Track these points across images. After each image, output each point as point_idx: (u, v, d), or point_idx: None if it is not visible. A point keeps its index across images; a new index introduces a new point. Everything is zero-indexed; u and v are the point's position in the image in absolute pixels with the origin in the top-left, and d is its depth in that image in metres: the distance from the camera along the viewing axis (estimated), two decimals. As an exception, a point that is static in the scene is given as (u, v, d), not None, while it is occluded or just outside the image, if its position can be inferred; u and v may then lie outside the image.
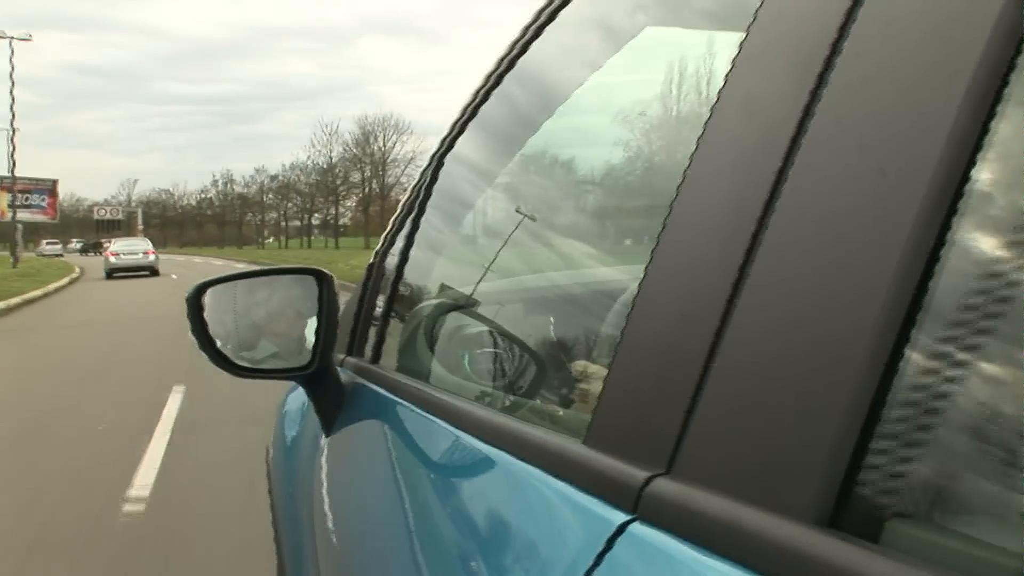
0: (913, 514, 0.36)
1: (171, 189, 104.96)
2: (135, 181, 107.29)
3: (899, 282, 0.36)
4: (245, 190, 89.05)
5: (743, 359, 0.44)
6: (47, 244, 69.98)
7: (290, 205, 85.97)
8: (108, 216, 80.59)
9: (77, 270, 31.18)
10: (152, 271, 28.70)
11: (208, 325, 1.20)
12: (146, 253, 29.38)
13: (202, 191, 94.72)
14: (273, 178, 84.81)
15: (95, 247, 74.19)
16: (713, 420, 0.45)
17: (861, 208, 0.39)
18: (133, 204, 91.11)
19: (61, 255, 61.14)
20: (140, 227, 73.60)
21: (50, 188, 51.27)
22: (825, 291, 0.40)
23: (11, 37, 37.11)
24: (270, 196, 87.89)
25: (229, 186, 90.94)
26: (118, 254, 29.21)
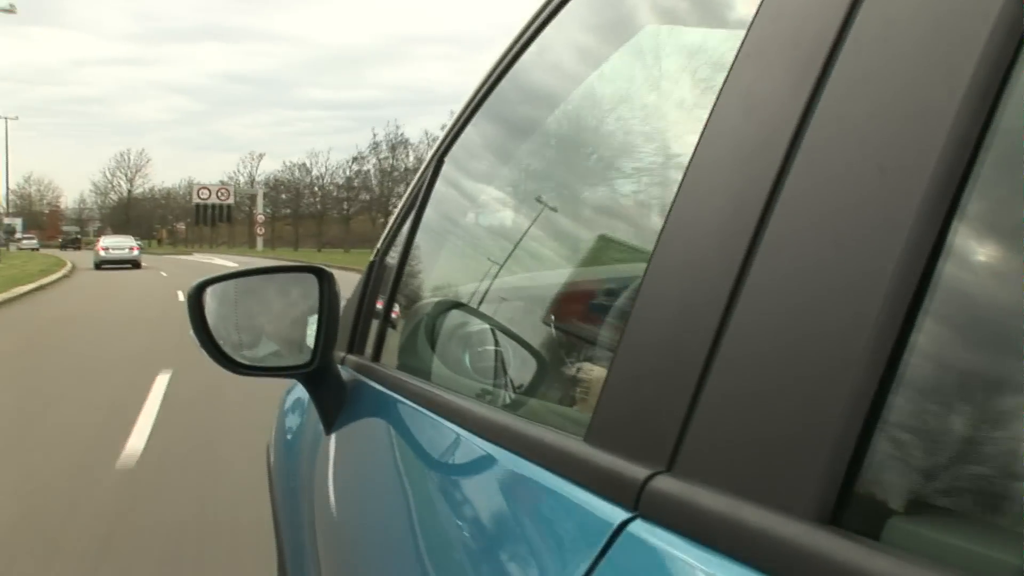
0: (914, 511, 0.36)
1: (308, 163, 73.72)
2: (261, 155, 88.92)
3: (899, 279, 0.36)
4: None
5: (744, 356, 0.44)
6: (24, 239, 68.44)
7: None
8: (215, 200, 58.30)
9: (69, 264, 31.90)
10: (135, 264, 33.36)
11: (209, 323, 1.20)
12: (131, 249, 34.44)
13: (354, 159, 59.30)
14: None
15: (73, 243, 72.17)
16: (714, 417, 0.45)
17: (861, 205, 0.39)
18: (255, 184, 69.12)
19: (37, 248, 60.85)
20: (260, 216, 60.31)
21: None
22: (825, 288, 0.40)
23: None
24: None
25: (395, 154, 56.93)
26: (107, 248, 34.17)
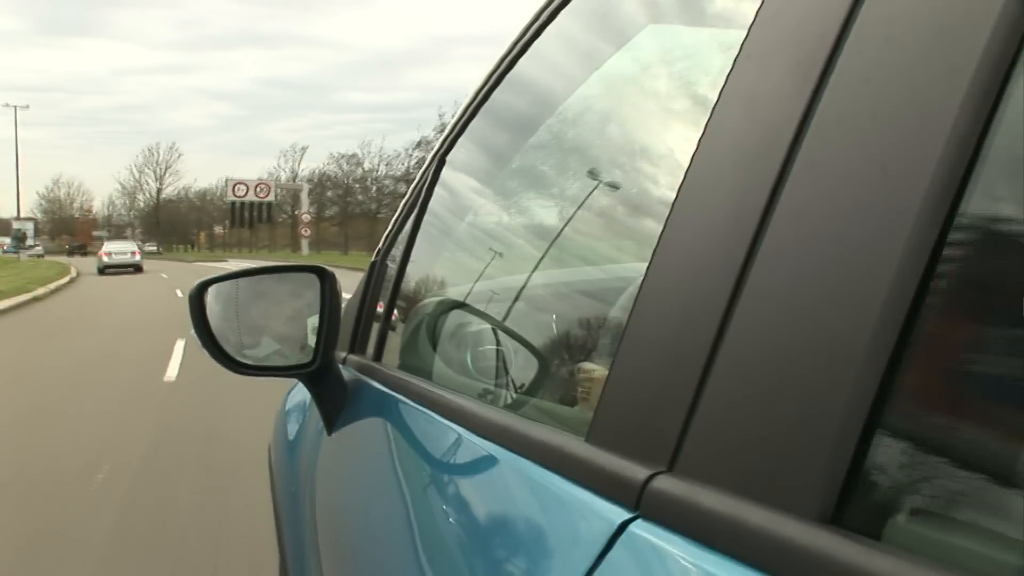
0: (915, 511, 0.36)
1: (359, 153, 65.82)
2: (304, 148, 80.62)
3: (900, 280, 0.36)
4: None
5: (745, 356, 0.44)
6: (31, 246, 68.65)
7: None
8: (253, 197, 48.26)
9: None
10: (137, 268, 35.83)
11: (210, 323, 1.20)
12: (133, 254, 37.01)
13: (417, 144, 44.31)
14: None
15: (80, 249, 70.22)
16: (715, 417, 0.45)
17: (862, 206, 0.39)
18: (298, 179, 59.99)
19: (42, 255, 58.44)
20: (305, 215, 48.51)
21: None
22: (827, 289, 0.40)
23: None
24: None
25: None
26: (110, 254, 36.68)
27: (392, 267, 1.44)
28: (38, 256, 56.97)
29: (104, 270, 34.92)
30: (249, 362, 1.24)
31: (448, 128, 1.30)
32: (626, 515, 0.48)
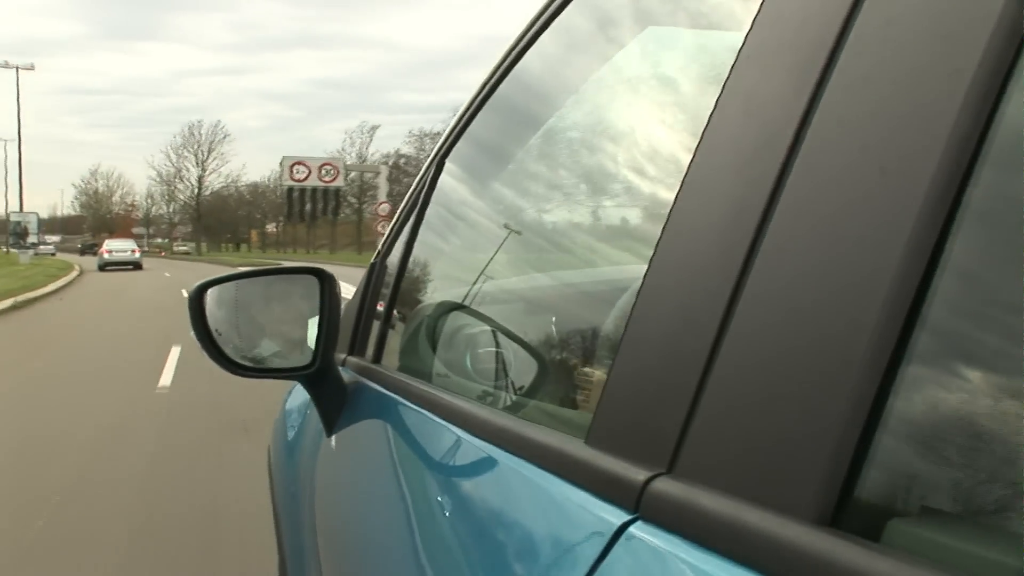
0: (914, 514, 0.36)
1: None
2: (374, 127, 69.39)
3: (900, 280, 0.36)
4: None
5: (744, 358, 0.44)
6: (41, 243, 66.91)
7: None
8: (316, 182, 33.95)
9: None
10: (136, 266, 37.11)
11: (210, 324, 1.20)
12: (132, 252, 38.48)
13: None
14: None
15: (91, 248, 64.46)
16: (714, 419, 0.45)
17: (862, 207, 0.39)
18: (372, 160, 51.29)
19: (53, 254, 57.60)
20: (384, 205, 30.77)
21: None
22: (826, 289, 0.40)
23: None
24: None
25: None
26: (111, 251, 38.36)
27: (392, 268, 1.44)
28: (50, 255, 54.03)
29: (104, 267, 36.31)
30: (248, 364, 1.24)
31: (448, 130, 1.29)
32: (626, 517, 0.48)
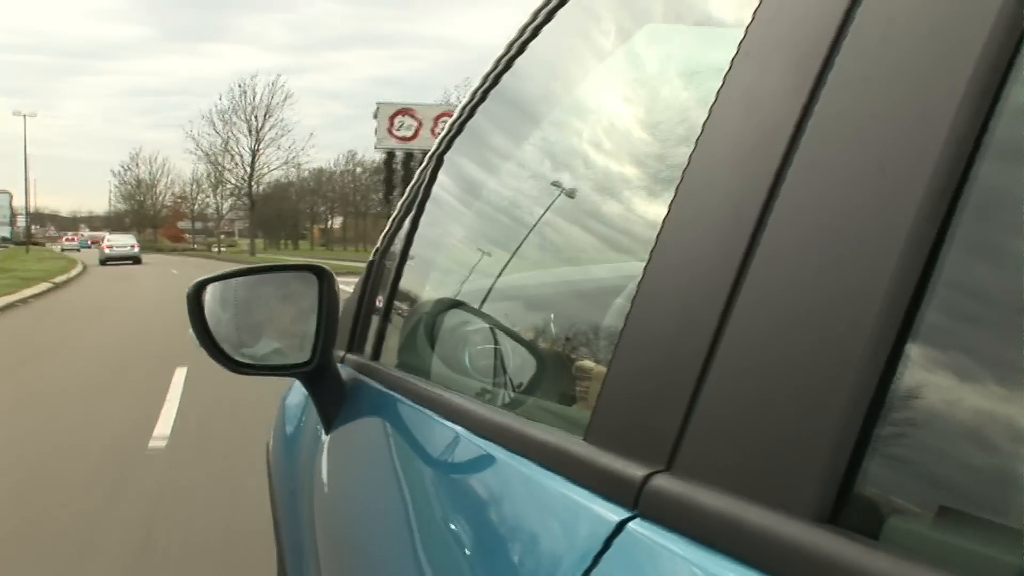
0: (913, 511, 0.36)
1: None
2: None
3: (899, 279, 0.36)
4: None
5: (743, 355, 0.44)
6: (66, 240, 62.74)
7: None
8: (428, 142, 19.27)
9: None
10: (136, 260, 38.49)
11: (208, 322, 1.20)
12: (132, 247, 39.80)
13: None
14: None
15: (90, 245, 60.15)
16: (713, 416, 0.45)
17: (861, 205, 0.39)
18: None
19: (78, 250, 56.34)
20: None
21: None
22: (825, 288, 0.40)
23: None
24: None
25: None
26: (111, 246, 39.79)
27: (390, 266, 1.44)
28: (74, 250, 49.67)
29: (105, 261, 37.75)
30: (247, 361, 1.24)
31: (446, 127, 1.29)
32: (624, 514, 0.48)
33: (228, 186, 50.94)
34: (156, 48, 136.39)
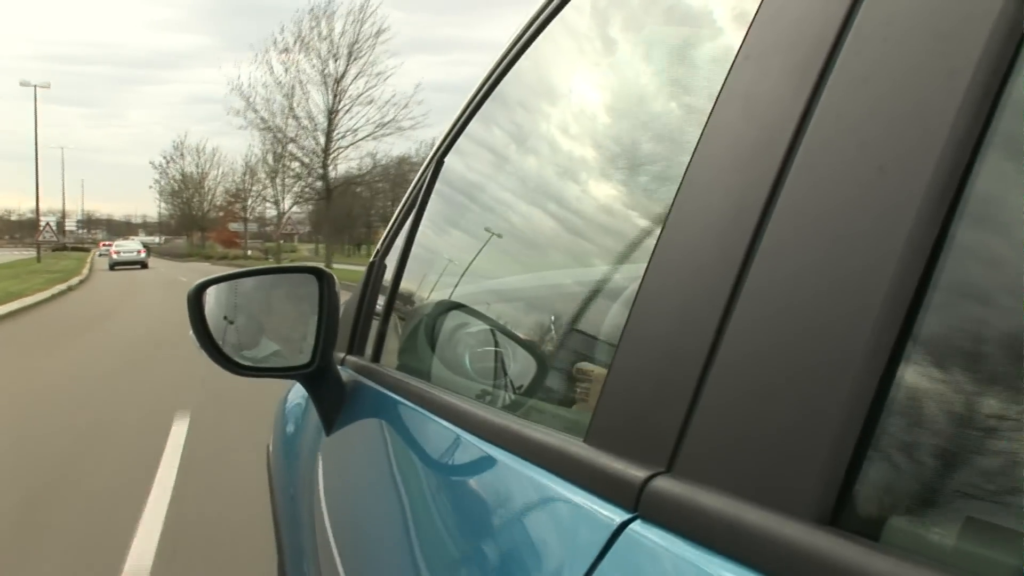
0: (914, 512, 0.36)
1: None
2: None
3: (899, 280, 0.36)
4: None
5: (744, 357, 0.44)
6: (103, 246, 53.05)
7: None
8: None
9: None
10: (143, 265, 40.24)
11: (209, 324, 1.20)
12: (139, 252, 41.38)
13: None
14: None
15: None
16: (714, 418, 0.45)
17: (861, 206, 0.39)
18: None
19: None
20: None
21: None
22: (825, 289, 0.40)
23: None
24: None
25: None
26: (119, 252, 41.43)
27: (390, 268, 1.44)
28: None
29: (114, 266, 39.44)
30: (247, 363, 1.24)
31: (446, 129, 1.29)
32: (625, 516, 0.48)
33: (292, 169, 34.11)
34: (217, 57, 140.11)
